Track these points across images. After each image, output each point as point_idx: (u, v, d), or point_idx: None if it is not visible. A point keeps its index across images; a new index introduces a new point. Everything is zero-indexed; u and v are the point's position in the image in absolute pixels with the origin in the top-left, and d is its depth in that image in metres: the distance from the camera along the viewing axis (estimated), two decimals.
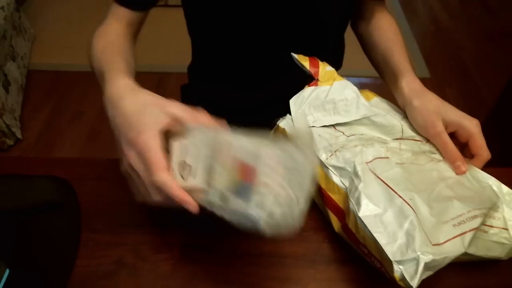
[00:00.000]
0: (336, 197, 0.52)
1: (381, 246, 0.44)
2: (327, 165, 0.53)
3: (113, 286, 0.50)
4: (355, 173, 0.50)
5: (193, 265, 0.52)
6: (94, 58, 0.59)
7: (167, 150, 0.43)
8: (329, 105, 0.59)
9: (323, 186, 0.53)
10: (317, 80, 0.61)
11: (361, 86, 0.63)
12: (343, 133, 0.57)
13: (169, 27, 2.08)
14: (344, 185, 0.51)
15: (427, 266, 0.42)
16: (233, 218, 0.40)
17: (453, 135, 0.56)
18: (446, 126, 0.55)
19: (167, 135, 0.44)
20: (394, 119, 0.59)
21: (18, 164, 0.64)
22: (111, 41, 0.62)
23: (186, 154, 0.43)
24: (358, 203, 0.47)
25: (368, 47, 0.76)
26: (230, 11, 0.67)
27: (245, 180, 0.40)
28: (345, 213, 0.50)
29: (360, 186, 0.48)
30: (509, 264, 0.52)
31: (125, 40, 0.64)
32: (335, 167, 0.52)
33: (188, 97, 0.88)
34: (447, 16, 2.47)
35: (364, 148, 0.53)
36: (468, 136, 0.55)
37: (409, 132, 0.58)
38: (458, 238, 0.45)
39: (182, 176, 0.42)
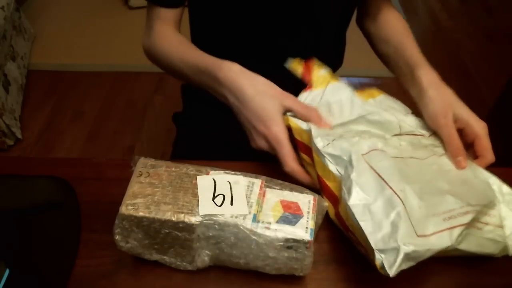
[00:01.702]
0: (331, 185, 0.53)
1: (365, 235, 0.45)
2: (323, 153, 0.53)
3: (113, 286, 0.50)
4: (350, 162, 0.51)
5: None
6: (173, 59, 0.66)
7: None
8: (323, 108, 0.59)
9: (319, 173, 0.54)
10: (311, 86, 0.61)
11: (361, 86, 0.63)
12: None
13: None
14: (339, 173, 0.52)
15: (407, 256, 0.43)
16: None
17: (459, 133, 0.57)
18: (455, 121, 0.56)
19: None
20: (390, 115, 0.58)
21: (18, 164, 0.64)
22: (182, 40, 0.68)
23: None
24: (349, 192, 0.48)
25: (377, 43, 0.76)
26: (228, 9, 0.67)
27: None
28: (339, 200, 0.51)
29: (353, 175, 0.49)
30: (508, 263, 0.52)
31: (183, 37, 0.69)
32: (331, 155, 0.53)
33: (189, 97, 0.88)
34: (447, 16, 2.47)
35: (361, 139, 0.54)
36: (474, 137, 0.56)
37: (407, 128, 0.59)
38: (446, 231, 0.46)
39: None
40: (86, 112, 1.85)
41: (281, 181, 0.51)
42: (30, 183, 0.59)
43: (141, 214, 0.46)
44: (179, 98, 0.91)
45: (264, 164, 0.63)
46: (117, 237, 0.48)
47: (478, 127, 0.56)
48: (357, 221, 0.46)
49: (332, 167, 0.53)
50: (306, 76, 0.61)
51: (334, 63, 0.80)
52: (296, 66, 0.62)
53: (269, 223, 0.46)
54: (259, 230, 0.45)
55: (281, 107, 0.55)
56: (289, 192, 0.50)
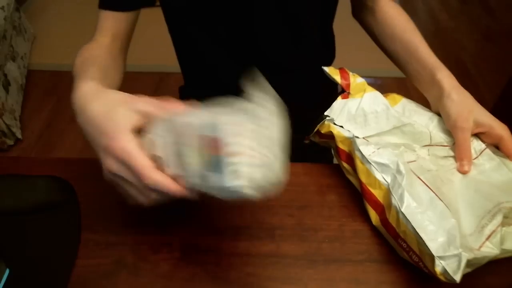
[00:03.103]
0: (377, 192, 0.54)
1: (424, 242, 0.46)
2: (370, 161, 0.54)
3: (113, 286, 0.50)
4: (398, 171, 0.52)
5: (193, 265, 0.52)
6: (73, 73, 0.57)
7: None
8: (360, 118, 0.61)
9: (363, 180, 0.55)
10: (349, 93, 0.62)
11: None
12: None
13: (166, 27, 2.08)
14: (386, 181, 0.53)
15: (468, 263, 0.45)
16: (221, 194, 0.39)
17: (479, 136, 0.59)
18: (477, 126, 0.58)
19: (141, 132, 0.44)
20: (422, 127, 0.60)
21: (18, 164, 0.64)
22: (91, 55, 0.60)
23: (154, 147, 0.42)
24: (401, 200, 0.50)
25: (381, 39, 0.75)
26: (203, 10, 0.67)
27: (213, 153, 0.39)
28: (385, 208, 0.53)
29: (404, 184, 0.51)
30: (509, 263, 0.52)
31: (108, 54, 0.62)
32: (377, 163, 0.54)
33: (187, 98, 0.88)
34: (447, 16, 2.47)
35: (404, 151, 0.56)
36: (499, 139, 0.57)
37: (437, 139, 0.60)
38: (487, 242, 0.48)
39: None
40: None
41: None
42: (30, 183, 0.59)
43: None
44: (178, 99, 0.91)
45: None
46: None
47: (501, 129, 0.58)
48: (413, 228, 0.47)
49: (378, 175, 0.54)
50: (345, 83, 0.63)
51: (327, 58, 0.79)
52: (333, 73, 0.64)
53: None
54: None
55: (131, 112, 0.44)
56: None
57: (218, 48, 0.72)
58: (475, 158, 0.57)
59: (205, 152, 0.39)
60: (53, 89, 1.96)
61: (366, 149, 0.55)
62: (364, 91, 0.62)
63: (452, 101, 0.59)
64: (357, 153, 0.56)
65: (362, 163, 0.55)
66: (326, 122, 0.61)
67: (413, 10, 2.54)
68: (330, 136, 0.60)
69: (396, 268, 0.52)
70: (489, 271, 0.51)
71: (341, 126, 0.60)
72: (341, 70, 0.64)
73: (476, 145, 0.58)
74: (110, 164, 0.42)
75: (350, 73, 0.64)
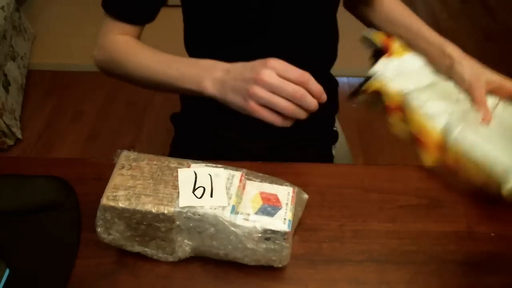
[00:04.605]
0: (433, 135, 0.61)
1: (490, 166, 0.54)
2: (423, 109, 0.62)
3: (113, 286, 0.50)
4: (453, 116, 0.60)
5: (193, 265, 0.52)
6: (135, 65, 0.64)
7: None
8: (401, 76, 0.66)
9: (418, 127, 0.62)
10: (391, 53, 0.68)
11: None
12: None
13: (169, 27, 2.08)
14: (442, 125, 0.60)
15: None
16: None
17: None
18: (489, 83, 0.65)
19: None
20: (452, 85, 0.68)
21: (18, 164, 0.64)
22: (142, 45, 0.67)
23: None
24: (462, 134, 0.58)
25: (381, 25, 0.78)
26: (223, 10, 0.67)
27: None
28: (443, 147, 0.60)
29: (460, 124, 0.59)
30: (509, 263, 0.52)
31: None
32: (431, 111, 0.62)
33: (188, 98, 0.88)
34: (447, 16, 2.47)
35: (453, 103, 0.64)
36: (511, 91, 0.65)
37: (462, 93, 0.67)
38: None
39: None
40: (86, 112, 1.85)
41: (261, 174, 0.51)
42: (30, 183, 0.59)
43: (121, 205, 0.46)
44: (178, 99, 0.91)
45: (262, 164, 0.63)
46: (99, 229, 0.48)
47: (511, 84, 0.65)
48: (476, 157, 0.56)
49: (434, 121, 0.61)
50: (387, 44, 0.69)
51: (330, 57, 0.80)
52: (377, 36, 0.69)
53: (248, 214, 0.47)
54: (238, 222, 0.46)
55: None
56: (268, 184, 0.50)
57: (231, 46, 0.72)
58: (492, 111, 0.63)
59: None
60: (53, 89, 1.95)
61: (419, 99, 0.62)
62: (405, 52, 0.69)
63: (464, 67, 0.67)
64: (411, 103, 0.62)
65: (416, 113, 0.62)
66: (374, 80, 0.65)
67: (413, 10, 2.53)
68: (377, 93, 0.65)
69: (396, 268, 0.52)
70: (489, 271, 0.51)
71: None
72: (386, 33, 0.70)
73: (490, 101, 0.65)
74: (255, 92, 0.50)
75: (391, 37, 0.70)
